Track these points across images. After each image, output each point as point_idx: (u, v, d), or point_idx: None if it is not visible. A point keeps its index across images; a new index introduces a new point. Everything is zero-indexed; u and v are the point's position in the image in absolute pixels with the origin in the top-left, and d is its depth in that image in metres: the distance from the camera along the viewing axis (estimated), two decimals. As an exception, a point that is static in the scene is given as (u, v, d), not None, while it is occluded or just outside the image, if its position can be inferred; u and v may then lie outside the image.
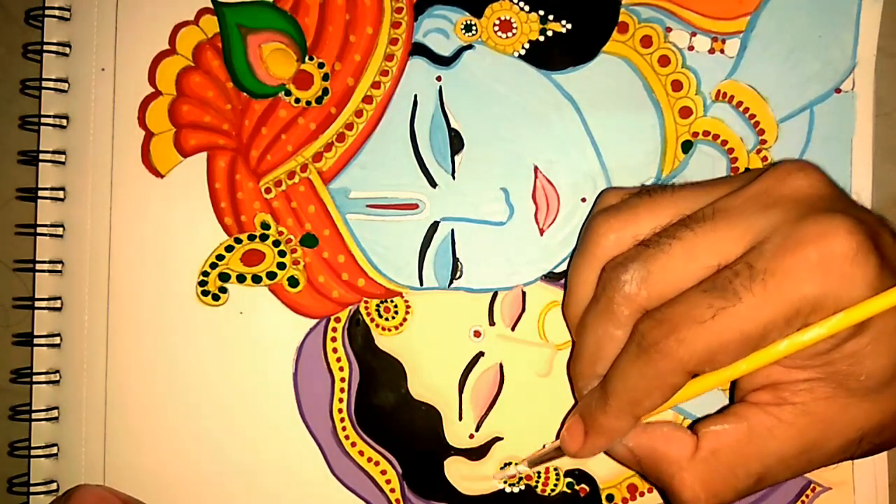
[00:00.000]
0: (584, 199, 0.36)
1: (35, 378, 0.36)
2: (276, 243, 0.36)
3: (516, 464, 0.35)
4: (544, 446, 0.33)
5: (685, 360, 0.26)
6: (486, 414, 0.36)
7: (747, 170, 0.35)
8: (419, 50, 0.36)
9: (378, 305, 0.36)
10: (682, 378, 0.26)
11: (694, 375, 0.27)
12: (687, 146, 0.35)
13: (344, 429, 0.36)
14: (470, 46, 0.36)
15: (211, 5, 0.36)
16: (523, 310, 0.36)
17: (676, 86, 0.35)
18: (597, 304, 0.29)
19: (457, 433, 0.36)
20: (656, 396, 0.27)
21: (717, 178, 0.30)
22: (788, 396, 0.27)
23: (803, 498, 0.35)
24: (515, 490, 0.36)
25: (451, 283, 0.36)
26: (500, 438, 0.36)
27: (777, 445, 0.27)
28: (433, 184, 0.36)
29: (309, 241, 0.36)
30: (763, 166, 0.30)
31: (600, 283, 0.29)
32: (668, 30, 0.35)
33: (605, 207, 0.30)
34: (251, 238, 0.36)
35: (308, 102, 0.36)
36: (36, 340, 0.36)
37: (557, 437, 0.31)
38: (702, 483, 0.28)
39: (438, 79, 0.36)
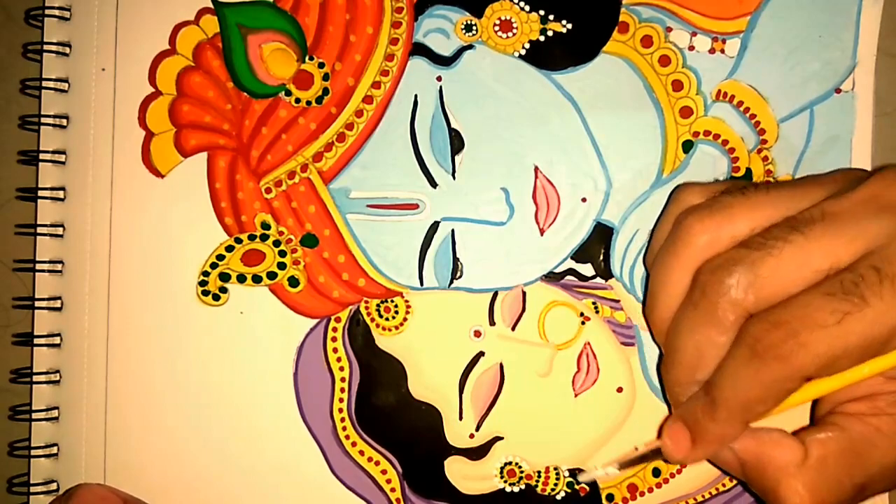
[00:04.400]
0: (584, 199, 0.36)
1: (35, 378, 0.36)
2: (277, 243, 0.36)
3: (605, 465, 0.33)
4: (636, 448, 0.32)
5: (805, 364, 0.25)
6: (487, 414, 0.36)
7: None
8: (419, 50, 0.36)
9: (378, 305, 0.36)
10: (798, 384, 0.26)
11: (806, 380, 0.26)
12: (687, 146, 0.35)
13: (344, 428, 0.36)
14: (470, 46, 0.36)
15: (211, 5, 0.36)
16: (523, 310, 0.36)
17: (677, 85, 0.35)
18: (695, 309, 0.28)
19: (457, 433, 0.36)
20: (770, 402, 0.26)
21: (807, 178, 0.29)
22: (885, 407, 0.27)
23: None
24: (516, 490, 0.36)
25: (451, 283, 0.36)
26: (500, 438, 0.36)
27: (879, 455, 0.27)
28: (433, 184, 0.36)
29: (309, 241, 0.36)
30: (853, 171, 0.29)
31: (698, 287, 0.28)
32: (669, 30, 0.35)
33: (692, 206, 0.29)
34: (251, 238, 0.36)
35: (308, 102, 0.36)
36: (36, 340, 0.36)
37: (658, 435, 0.30)
38: (810, 491, 0.27)
39: (439, 79, 0.36)
